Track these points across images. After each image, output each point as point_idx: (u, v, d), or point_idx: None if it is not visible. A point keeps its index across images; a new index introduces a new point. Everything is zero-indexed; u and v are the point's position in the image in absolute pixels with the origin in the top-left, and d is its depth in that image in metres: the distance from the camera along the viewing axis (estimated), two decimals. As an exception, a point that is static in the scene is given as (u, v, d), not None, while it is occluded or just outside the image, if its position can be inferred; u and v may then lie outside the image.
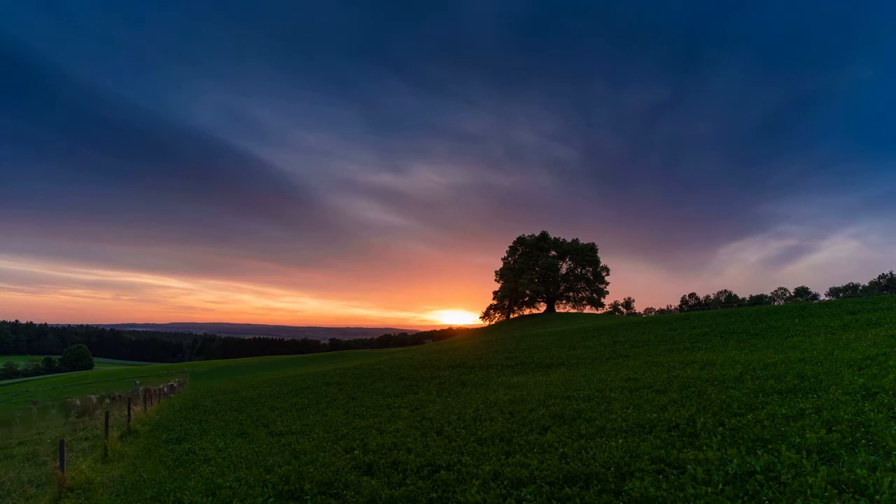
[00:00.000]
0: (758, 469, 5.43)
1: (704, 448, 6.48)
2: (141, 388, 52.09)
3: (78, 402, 27.90)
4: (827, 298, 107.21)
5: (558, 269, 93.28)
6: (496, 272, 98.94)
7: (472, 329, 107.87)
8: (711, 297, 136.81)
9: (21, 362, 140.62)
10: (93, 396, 31.30)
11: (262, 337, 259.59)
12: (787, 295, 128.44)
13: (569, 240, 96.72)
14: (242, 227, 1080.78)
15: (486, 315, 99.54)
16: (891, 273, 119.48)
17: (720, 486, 5.20)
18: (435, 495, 6.32)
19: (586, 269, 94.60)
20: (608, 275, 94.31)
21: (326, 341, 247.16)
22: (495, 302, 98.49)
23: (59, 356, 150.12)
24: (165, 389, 31.94)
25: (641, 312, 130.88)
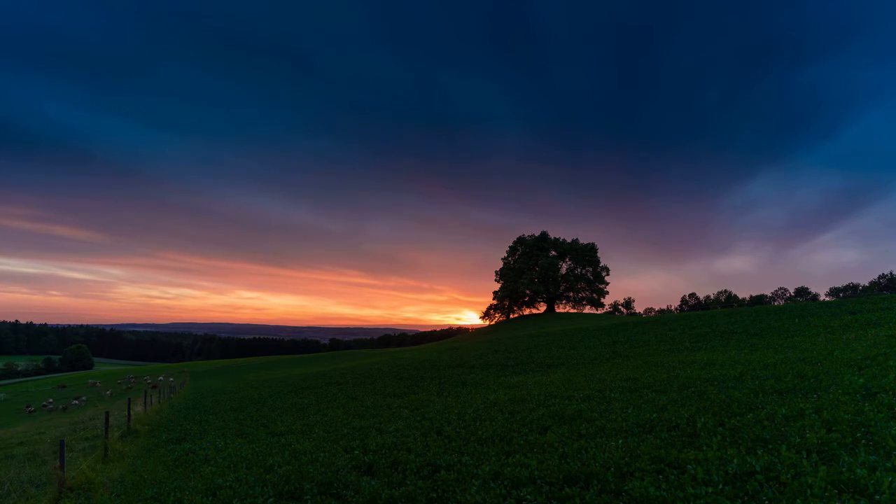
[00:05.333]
0: (758, 469, 5.43)
1: (704, 448, 6.48)
2: (132, 379, 52.31)
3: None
4: (827, 298, 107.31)
5: (558, 269, 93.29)
6: (496, 272, 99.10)
7: (473, 329, 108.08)
8: (711, 297, 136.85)
9: (21, 362, 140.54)
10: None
11: (262, 337, 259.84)
12: (787, 295, 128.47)
13: (569, 240, 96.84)
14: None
15: (486, 315, 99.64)
16: (891, 273, 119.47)
17: (720, 486, 5.20)
18: (435, 495, 6.32)
19: (586, 269, 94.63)
20: (608, 275, 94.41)
21: (326, 341, 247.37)
22: (495, 302, 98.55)
23: (59, 356, 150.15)
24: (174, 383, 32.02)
25: (641, 312, 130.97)
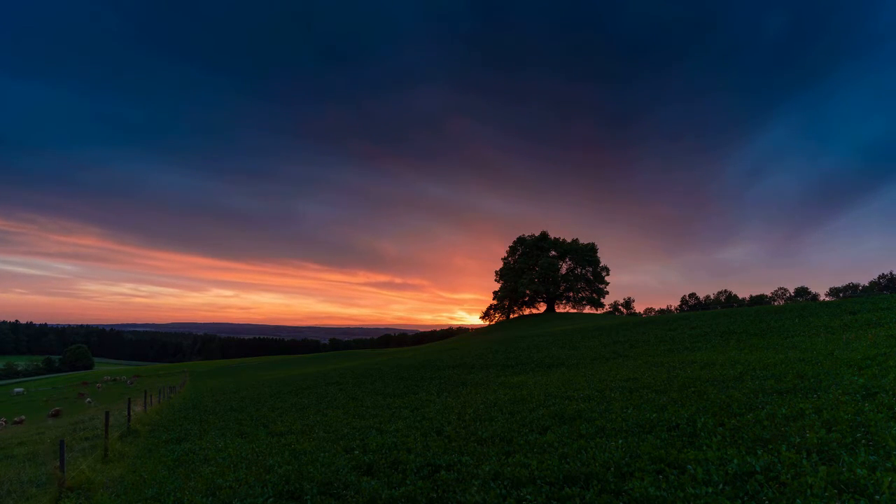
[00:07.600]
0: (758, 469, 5.43)
1: (704, 448, 6.47)
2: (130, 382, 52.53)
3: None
4: (827, 298, 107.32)
5: (558, 269, 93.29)
6: (496, 272, 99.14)
7: (473, 329, 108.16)
8: (711, 297, 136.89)
9: (21, 362, 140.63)
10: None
11: (262, 337, 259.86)
12: (787, 295, 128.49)
13: (569, 240, 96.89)
14: None
15: (486, 315, 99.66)
16: (891, 273, 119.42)
17: (720, 486, 5.20)
18: (435, 495, 6.31)
19: (586, 269, 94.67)
20: (608, 275, 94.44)
21: (327, 341, 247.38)
22: (495, 302, 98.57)
23: (59, 356, 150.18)
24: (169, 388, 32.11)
25: (641, 312, 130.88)
